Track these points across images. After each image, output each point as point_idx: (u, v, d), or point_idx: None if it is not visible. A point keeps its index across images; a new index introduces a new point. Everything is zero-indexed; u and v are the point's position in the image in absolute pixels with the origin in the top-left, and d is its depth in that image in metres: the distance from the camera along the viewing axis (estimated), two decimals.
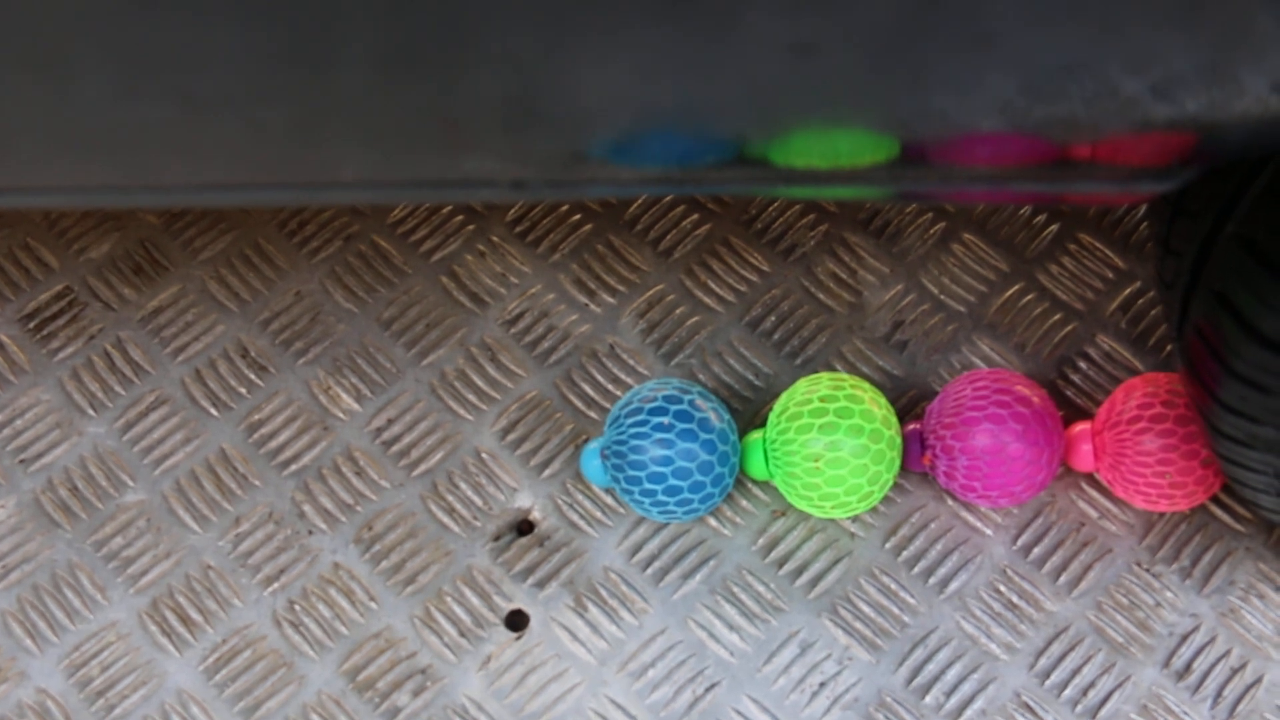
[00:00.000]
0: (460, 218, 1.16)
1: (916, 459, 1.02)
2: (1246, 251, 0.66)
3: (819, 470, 0.97)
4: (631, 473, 0.97)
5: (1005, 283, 1.14)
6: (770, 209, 1.17)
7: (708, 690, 0.99)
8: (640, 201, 1.17)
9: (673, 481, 0.97)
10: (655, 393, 0.99)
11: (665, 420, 0.97)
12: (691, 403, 0.98)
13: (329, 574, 1.03)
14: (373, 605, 1.02)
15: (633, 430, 0.97)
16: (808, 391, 0.99)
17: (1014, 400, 0.98)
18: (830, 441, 0.96)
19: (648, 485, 0.97)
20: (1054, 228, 1.15)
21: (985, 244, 1.15)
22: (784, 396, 1.01)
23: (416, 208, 1.17)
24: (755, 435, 1.02)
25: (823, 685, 0.99)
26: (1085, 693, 0.99)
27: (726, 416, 1.00)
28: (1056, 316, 1.12)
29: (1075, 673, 1.00)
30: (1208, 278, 0.70)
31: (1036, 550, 1.03)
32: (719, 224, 1.16)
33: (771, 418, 1.01)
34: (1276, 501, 0.90)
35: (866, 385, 1.00)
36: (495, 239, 1.16)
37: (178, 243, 1.16)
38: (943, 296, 1.13)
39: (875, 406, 0.98)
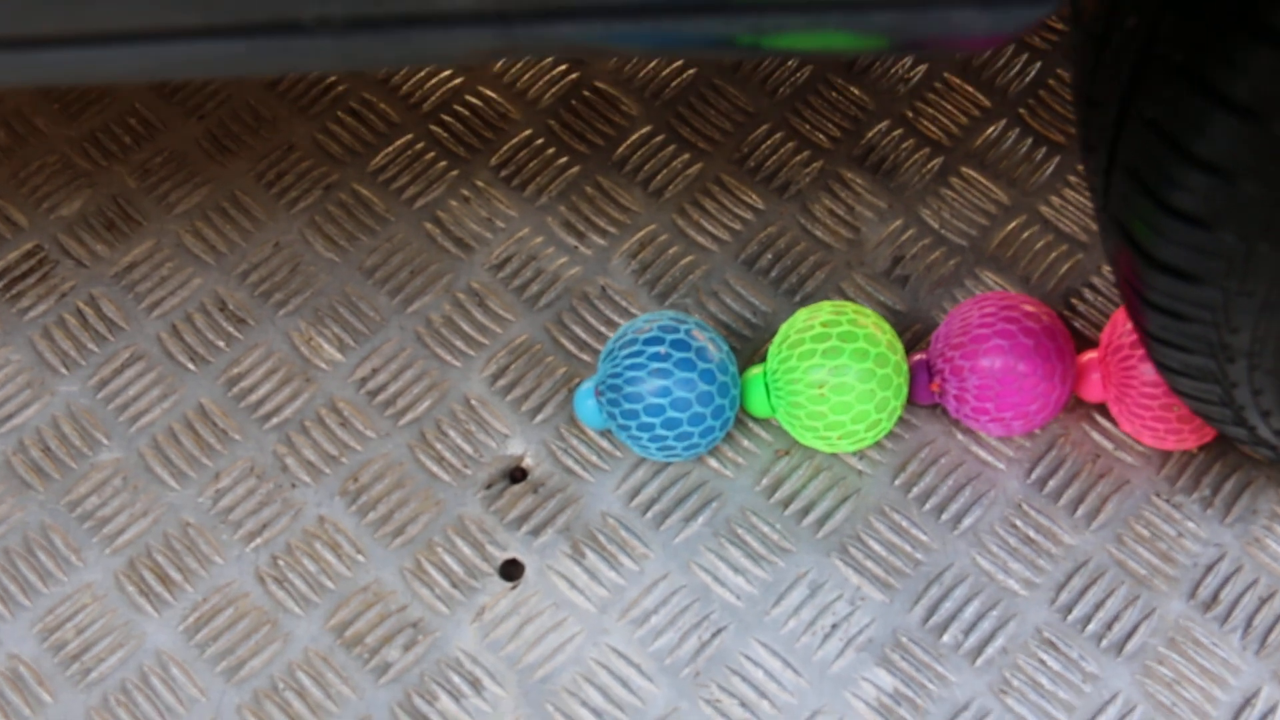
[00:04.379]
0: (444, 163, 1.13)
1: (925, 389, 0.98)
2: (1153, 133, 0.62)
3: (824, 397, 0.93)
4: (628, 406, 0.93)
5: (1006, 216, 1.10)
6: (763, 146, 1.13)
7: (714, 635, 0.95)
8: (629, 142, 1.13)
9: (671, 413, 0.93)
10: (650, 324, 0.95)
11: (661, 349, 0.93)
12: (688, 332, 0.94)
13: (314, 528, 0.98)
14: (360, 558, 0.97)
15: (628, 362, 0.93)
16: (809, 319, 0.95)
17: (1022, 316, 0.94)
18: (835, 366, 0.92)
19: (645, 419, 0.93)
20: (1055, 160, 1.12)
21: (984, 178, 1.12)
22: (784, 327, 0.97)
23: (399, 154, 1.13)
24: (755, 370, 0.98)
25: (835, 627, 0.95)
26: (1110, 627, 0.95)
27: (725, 347, 0.96)
28: (1061, 248, 1.08)
29: (1099, 606, 0.95)
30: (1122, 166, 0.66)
31: (1051, 483, 0.99)
32: (710, 162, 1.12)
33: (772, 349, 0.97)
34: (1241, 432, 0.85)
35: (869, 311, 0.96)
36: (480, 183, 1.12)
37: (151, 197, 1.12)
38: (943, 231, 1.09)
39: (879, 331, 0.94)
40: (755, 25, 0.53)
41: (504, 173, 1.12)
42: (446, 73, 1.17)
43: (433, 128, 1.14)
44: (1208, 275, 0.66)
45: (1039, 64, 1.17)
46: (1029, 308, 0.96)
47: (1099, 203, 0.71)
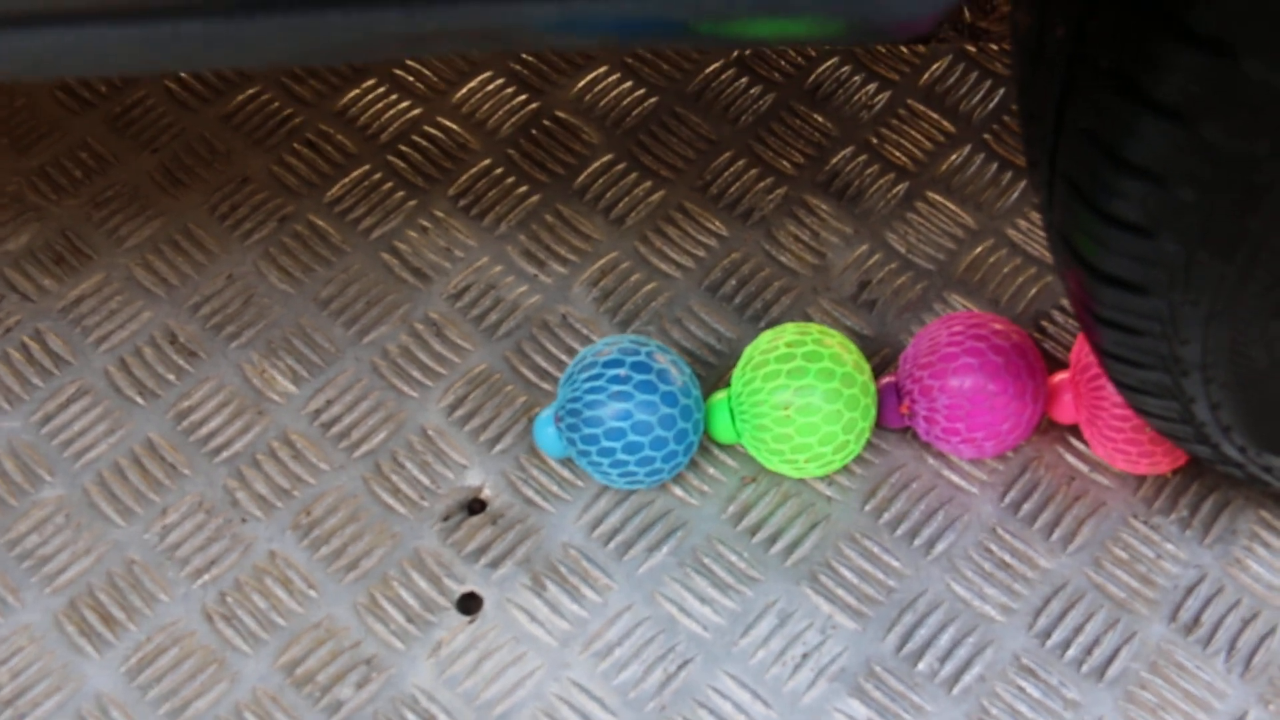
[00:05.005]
0: (401, 194, 1.11)
1: (894, 412, 0.95)
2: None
3: (789, 419, 0.90)
4: (588, 431, 0.90)
5: (974, 240, 1.08)
6: (726, 173, 1.12)
7: (680, 668, 0.91)
8: (589, 170, 1.12)
9: (633, 437, 0.90)
10: (610, 347, 0.93)
11: (621, 372, 0.90)
12: (649, 355, 0.92)
13: (264, 563, 0.95)
14: (312, 594, 0.94)
15: (587, 386, 0.91)
16: (773, 340, 0.93)
17: (991, 335, 0.92)
18: (800, 387, 0.90)
19: (606, 443, 0.90)
20: (1020, 184, 1.11)
21: (950, 202, 1.10)
22: (748, 350, 0.95)
23: (355, 185, 1.11)
24: (720, 395, 0.95)
25: (805, 657, 0.91)
26: (1090, 652, 0.91)
27: (688, 370, 0.93)
28: (1029, 271, 1.07)
29: (1078, 631, 0.92)
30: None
31: (1026, 506, 0.96)
32: (672, 190, 1.11)
33: (736, 373, 0.94)
34: (1206, 450, 0.84)
35: (834, 332, 0.94)
36: (438, 213, 1.10)
37: (101, 231, 1.09)
38: (910, 255, 1.08)
39: (845, 351, 0.92)
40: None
41: (463, 202, 1.10)
42: (405, 103, 1.15)
43: (390, 159, 1.12)
44: (1152, 286, 0.65)
45: (1002, 90, 1.16)
46: (998, 326, 0.94)
47: (1045, 219, 0.70)
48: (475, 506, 0.97)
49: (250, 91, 1.16)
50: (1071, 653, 0.91)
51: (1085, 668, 0.91)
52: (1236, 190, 0.58)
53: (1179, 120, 0.56)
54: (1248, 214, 0.60)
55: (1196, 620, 0.92)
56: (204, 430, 1.00)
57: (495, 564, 0.94)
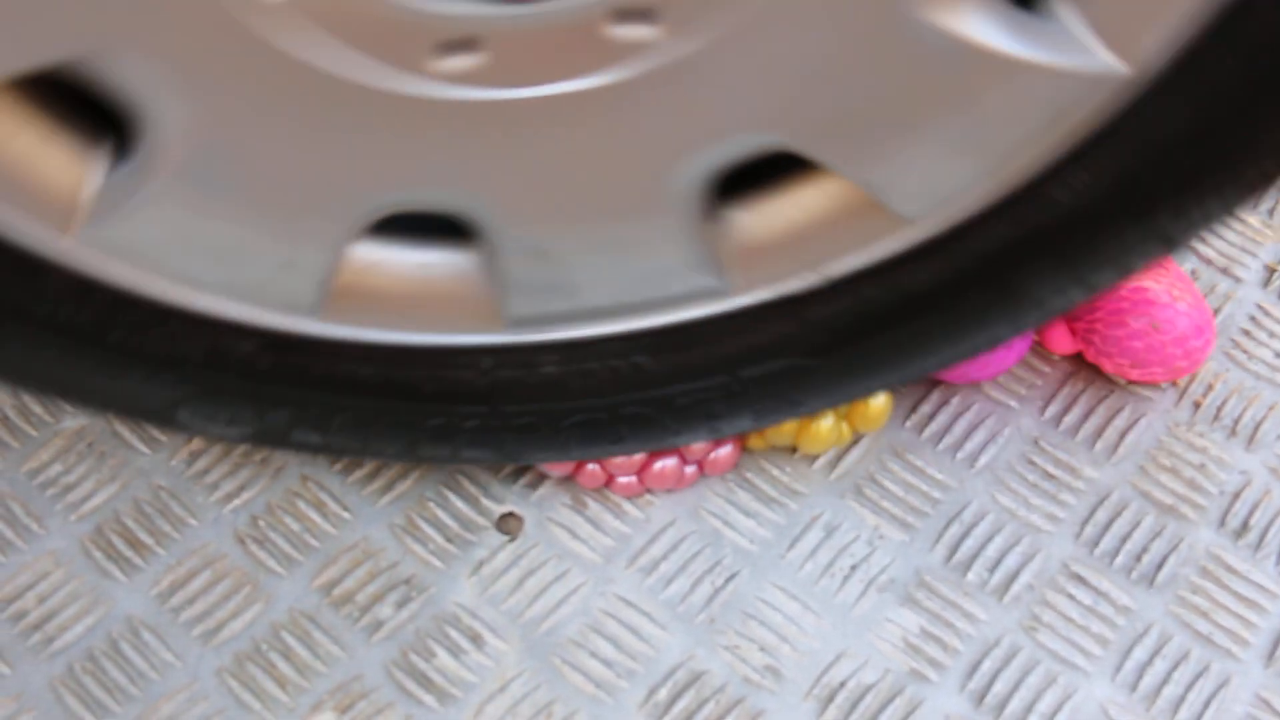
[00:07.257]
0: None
1: None
2: None
3: None
4: None
5: None
6: None
7: (728, 581, 0.89)
8: None
9: None
10: None
11: None
12: None
13: (296, 487, 0.92)
14: (346, 516, 0.91)
15: None
16: None
17: None
18: None
19: None
20: None
21: None
22: None
23: None
24: None
25: (854, 568, 0.90)
26: (1138, 559, 0.90)
27: None
28: None
29: (1125, 539, 0.91)
30: None
31: (1067, 419, 0.96)
32: None
33: None
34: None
35: None
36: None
37: None
38: None
39: None
40: None
41: None
42: None
43: None
44: None
45: None
46: None
47: None
48: None
49: None
50: (1120, 560, 0.90)
51: (1135, 574, 0.90)
52: None
53: None
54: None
55: (1245, 525, 0.92)
56: None
57: (534, 484, 0.92)
